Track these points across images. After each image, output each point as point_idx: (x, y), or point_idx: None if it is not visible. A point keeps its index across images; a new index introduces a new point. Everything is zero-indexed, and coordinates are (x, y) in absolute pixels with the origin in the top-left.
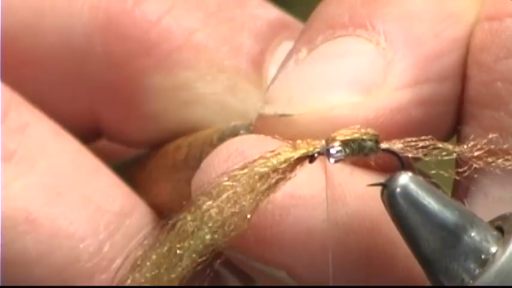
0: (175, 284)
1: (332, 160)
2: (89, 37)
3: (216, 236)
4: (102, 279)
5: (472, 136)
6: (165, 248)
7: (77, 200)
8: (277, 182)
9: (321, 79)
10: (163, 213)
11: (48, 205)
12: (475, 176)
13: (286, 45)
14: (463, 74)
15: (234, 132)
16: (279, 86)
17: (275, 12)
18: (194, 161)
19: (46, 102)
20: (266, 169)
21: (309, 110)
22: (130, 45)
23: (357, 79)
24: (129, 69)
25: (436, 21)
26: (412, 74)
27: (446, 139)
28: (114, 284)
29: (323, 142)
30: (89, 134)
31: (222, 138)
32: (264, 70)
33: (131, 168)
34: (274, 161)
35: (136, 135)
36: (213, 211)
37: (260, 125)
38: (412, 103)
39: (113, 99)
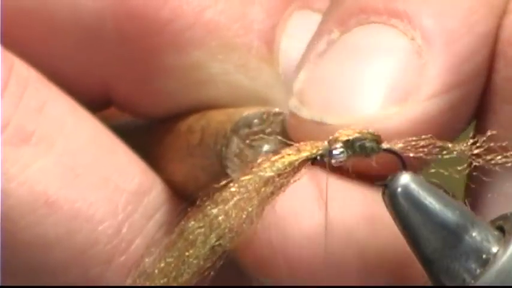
0: None
1: (334, 161)
2: (99, 13)
3: (223, 242)
4: (121, 261)
5: (488, 131)
6: (174, 256)
7: (95, 180)
8: (281, 186)
9: (358, 82)
10: (179, 192)
11: (67, 187)
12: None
13: (297, 16)
14: (490, 68)
15: (247, 123)
16: (315, 82)
17: None
18: (209, 150)
19: (59, 75)
20: (271, 174)
21: (347, 120)
22: (141, 24)
23: (394, 85)
24: (140, 47)
25: (468, 14)
26: (446, 78)
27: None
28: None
29: (325, 143)
30: (99, 103)
31: (235, 129)
32: (275, 45)
33: (143, 136)
34: (279, 164)
35: (148, 110)
36: (220, 217)
37: (294, 126)
38: (444, 110)
39: (125, 74)
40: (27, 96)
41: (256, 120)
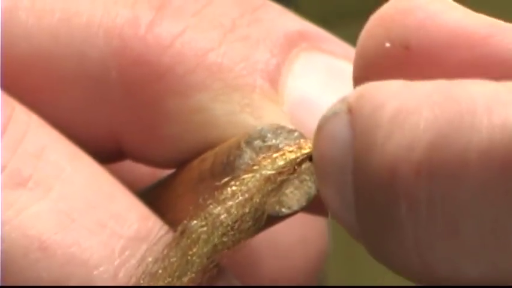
0: None
1: None
2: (104, 63)
3: (226, 240)
4: None
5: None
6: (178, 255)
7: (91, 225)
8: (281, 183)
9: None
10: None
11: (62, 232)
12: None
13: (304, 56)
14: None
15: (262, 136)
16: None
17: (294, 22)
18: (221, 166)
19: (66, 126)
20: (273, 171)
21: None
22: (145, 70)
23: None
24: (145, 94)
25: None
26: None
27: None
28: None
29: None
30: (112, 155)
31: (250, 141)
32: (280, 84)
33: (155, 190)
34: (280, 161)
35: (159, 157)
36: (223, 216)
37: None
38: None
39: (132, 122)
40: (26, 141)
41: (270, 134)
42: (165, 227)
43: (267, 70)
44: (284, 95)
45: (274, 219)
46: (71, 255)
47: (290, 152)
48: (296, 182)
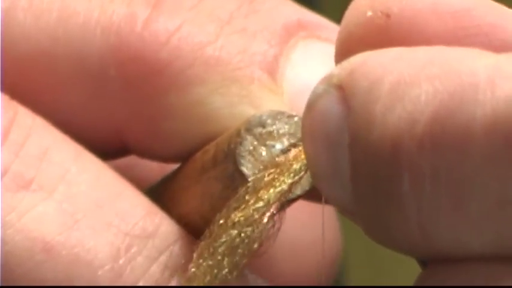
0: None
1: None
2: (102, 60)
3: (243, 236)
4: None
5: None
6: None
7: (96, 225)
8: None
9: None
10: (192, 222)
11: (66, 233)
12: None
13: (303, 45)
14: None
15: (261, 123)
16: None
17: (291, 11)
18: (222, 154)
19: (69, 125)
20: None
21: None
22: (143, 66)
23: None
24: (144, 90)
25: None
26: None
27: None
28: None
29: None
30: (117, 151)
31: (250, 128)
32: (279, 75)
33: (161, 186)
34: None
35: (162, 151)
36: (238, 215)
37: None
38: None
39: (134, 118)
40: (29, 143)
41: (269, 120)
42: (172, 223)
43: (265, 61)
44: (283, 85)
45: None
46: (76, 256)
47: (295, 156)
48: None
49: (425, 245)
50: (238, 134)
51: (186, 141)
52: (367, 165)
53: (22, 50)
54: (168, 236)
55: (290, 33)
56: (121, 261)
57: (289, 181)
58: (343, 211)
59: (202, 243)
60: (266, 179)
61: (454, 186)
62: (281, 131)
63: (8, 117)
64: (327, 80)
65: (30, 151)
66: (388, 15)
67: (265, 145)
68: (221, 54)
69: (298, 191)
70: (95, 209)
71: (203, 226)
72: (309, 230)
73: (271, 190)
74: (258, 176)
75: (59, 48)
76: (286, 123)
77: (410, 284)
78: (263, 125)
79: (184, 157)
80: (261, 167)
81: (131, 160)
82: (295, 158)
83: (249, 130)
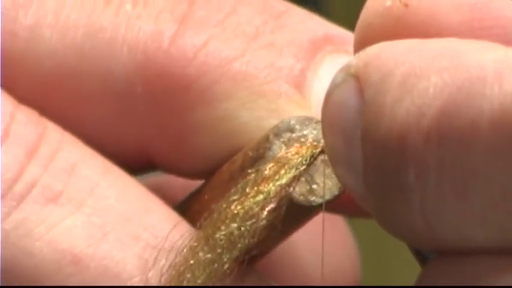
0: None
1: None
2: (129, 78)
3: (243, 230)
4: None
5: None
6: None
7: (124, 238)
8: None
9: None
10: None
11: (94, 245)
12: None
13: (330, 60)
14: None
15: (290, 128)
16: None
17: (318, 25)
18: (251, 161)
19: (95, 141)
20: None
21: None
22: (170, 83)
23: None
24: (171, 106)
25: None
26: None
27: None
28: None
29: (322, 143)
30: (142, 167)
31: (278, 133)
32: (306, 89)
33: (188, 201)
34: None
35: (189, 167)
36: (238, 207)
37: None
38: None
39: (160, 135)
40: (58, 158)
41: (298, 126)
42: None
43: (292, 75)
44: (311, 99)
45: (308, 209)
46: (104, 268)
47: (296, 151)
48: (327, 171)
49: (429, 235)
50: (266, 139)
51: (212, 156)
52: (376, 157)
53: (48, 67)
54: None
55: (317, 48)
56: (150, 274)
57: (290, 175)
58: (357, 199)
59: (201, 233)
60: (267, 172)
61: (458, 179)
62: (309, 137)
63: (38, 132)
64: (346, 70)
65: (59, 165)
66: (406, 5)
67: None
68: (248, 69)
69: (327, 195)
70: (123, 222)
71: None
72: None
73: (271, 183)
74: (260, 169)
75: (85, 65)
76: (314, 129)
77: None
78: (292, 130)
79: (210, 172)
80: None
81: (158, 178)
82: (297, 152)
83: (277, 135)
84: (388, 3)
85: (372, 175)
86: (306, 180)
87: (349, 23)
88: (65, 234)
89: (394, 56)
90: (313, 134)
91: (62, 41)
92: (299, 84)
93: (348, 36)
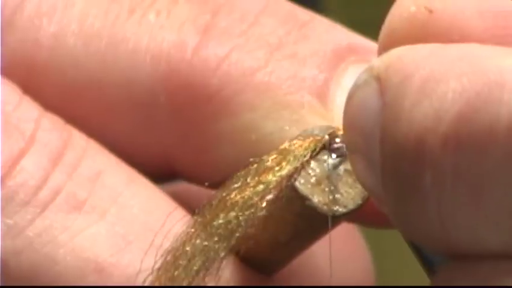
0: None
1: (334, 155)
2: (152, 88)
3: (241, 219)
4: None
5: None
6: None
7: (147, 247)
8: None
9: None
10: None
11: (117, 254)
12: None
13: (353, 70)
14: None
15: (311, 134)
16: None
17: (341, 35)
18: None
19: (118, 150)
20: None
21: None
22: (193, 94)
23: None
24: (194, 117)
25: None
26: None
27: None
28: None
29: (326, 137)
30: (165, 176)
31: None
32: (329, 100)
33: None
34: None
35: (211, 176)
36: (237, 196)
37: None
38: None
39: (183, 145)
40: (82, 165)
41: (318, 131)
42: None
43: (315, 86)
44: (333, 110)
45: (332, 219)
46: (127, 277)
47: (299, 145)
48: (350, 180)
49: (444, 239)
50: None
51: (234, 166)
52: (394, 160)
53: (72, 75)
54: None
55: (340, 58)
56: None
57: (291, 167)
58: (375, 199)
59: (199, 219)
60: (269, 164)
61: (474, 183)
62: (332, 147)
63: (63, 139)
64: (369, 71)
65: (83, 173)
66: (431, 11)
67: (317, 160)
68: (271, 80)
69: (351, 205)
70: (146, 231)
71: (253, 246)
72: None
73: (272, 174)
74: (262, 159)
75: (108, 75)
76: (336, 137)
77: None
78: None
79: None
80: (314, 181)
81: (180, 186)
82: (301, 145)
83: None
84: (413, 8)
85: (390, 177)
86: (330, 190)
87: (349, 23)
88: (88, 242)
89: (414, 60)
90: (335, 144)
91: (85, 50)
92: (322, 95)
93: (371, 46)
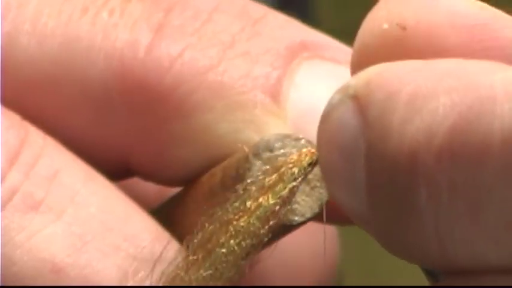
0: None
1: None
2: (106, 86)
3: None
4: None
5: None
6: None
7: (105, 248)
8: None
9: None
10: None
11: (75, 254)
12: None
13: (307, 66)
14: None
15: (269, 147)
16: None
17: (295, 31)
18: (231, 180)
19: (74, 147)
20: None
21: None
22: (146, 93)
23: None
24: (148, 117)
25: None
26: None
27: None
28: None
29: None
30: (121, 174)
31: (258, 153)
32: (282, 97)
33: (166, 208)
34: (292, 170)
35: (167, 175)
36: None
37: None
38: None
39: (139, 144)
40: (40, 164)
41: (277, 144)
42: (180, 247)
43: (268, 84)
44: (287, 108)
45: (288, 228)
46: (84, 278)
47: (294, 161)
48: (307, 189)
49: (441, 255)
50: (246, 159)
51: (190, 166)
52: (384, 176)
53: (27, 74)
54: (177, 259)
55: (293, 55)
56: (130, 284)
57: (290, 185)
58: (357, 220)
59: (197, 242)
60: (266, 184)
61: (471, 198)
62: (288, 155)
63: (20, 137)
64: (343, 91)
65: (40, 172)
66: (404, 28)
67: (275, 169)
68: (224, 79)
69: (308, 213)
70: (103, 231)
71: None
72: (304, 242)
73: (271, 196)
74: (259, 179)
75: (63, 72)
76: (293, 147)
77: None
78: (271, 149)
79: (188, 181)
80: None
81: (131, 179)
82: (295, 163)
83: (257, 155)
84: (385, 25)
85: (378, 194)
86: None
87: (339, 31)
88: (45, 242)
89: (398, 76)
90: (292, 152)
91: (39, 48)
92: (275, 93)
93: (325, 42)
